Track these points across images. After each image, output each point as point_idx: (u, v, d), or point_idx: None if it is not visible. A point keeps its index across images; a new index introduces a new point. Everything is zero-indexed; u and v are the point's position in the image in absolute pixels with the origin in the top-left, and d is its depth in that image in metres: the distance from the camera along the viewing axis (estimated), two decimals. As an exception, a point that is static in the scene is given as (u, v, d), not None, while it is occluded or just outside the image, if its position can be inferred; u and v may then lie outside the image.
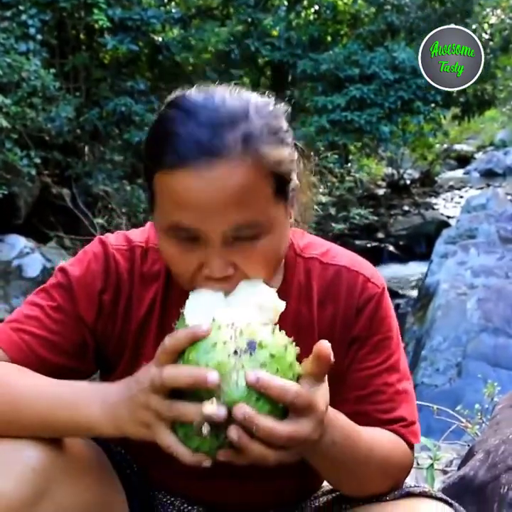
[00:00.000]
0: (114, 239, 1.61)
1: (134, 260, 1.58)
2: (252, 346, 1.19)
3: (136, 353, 1.58)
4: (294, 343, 1.27)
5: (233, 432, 1.18)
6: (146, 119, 10.53)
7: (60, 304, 1.55)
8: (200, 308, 1.29)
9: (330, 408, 1.30)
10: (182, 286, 1.44)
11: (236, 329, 1.21)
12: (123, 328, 1.58)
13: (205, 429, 1.16)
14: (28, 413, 1.42)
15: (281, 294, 1.47)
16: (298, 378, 1.24)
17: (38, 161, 9.20)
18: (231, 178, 1.31)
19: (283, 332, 1.27)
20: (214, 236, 1.33)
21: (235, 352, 1.19)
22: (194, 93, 1.39)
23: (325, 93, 13.22)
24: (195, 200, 1.31)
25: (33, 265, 8.46)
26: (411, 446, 1.61)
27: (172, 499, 1.73)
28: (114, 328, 1.57)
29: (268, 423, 1.18)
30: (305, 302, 1.59)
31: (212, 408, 1.15)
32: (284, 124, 1.42)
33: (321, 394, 1.25)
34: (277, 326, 1.27)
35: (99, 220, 9.56)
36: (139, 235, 1.63)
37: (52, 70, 9.59)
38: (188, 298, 1.39)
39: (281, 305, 1.31)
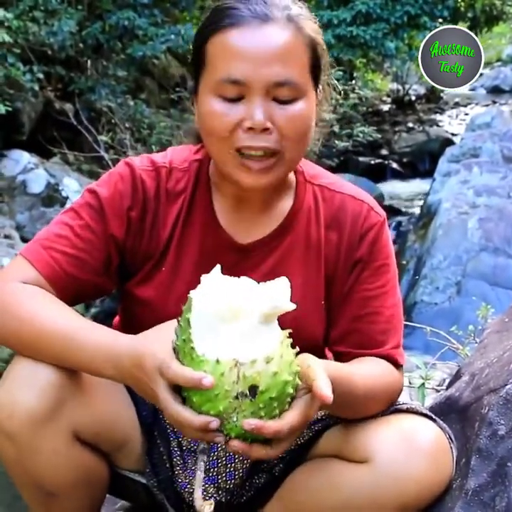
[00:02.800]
0: (139, 161, 1.74)
1: (160, 179, 1.71)
2: (253, 393, 1.28)
3: (158, 263, 1.72)
4: (296, 363, 1.34)
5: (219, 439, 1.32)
6: (149, 33, 10.34)
7: (88, 223, 1.66)
8: (210, 313, 1.31)
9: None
10: (218, 152, 1.61)
11: (239, 371, 1.28)
12: (149, 242, 1.71)
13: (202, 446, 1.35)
14: (48, 352, 1.55)
15: (293, 214, 1.73)
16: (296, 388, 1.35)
17: (40, 76, 9.10)
18: (277, 37, 1.58)
19: (288, 350, 1.33)
20: (258, 87, 1.54)
21: (237, 397, 1.28)
22: None
23: (330, 7, 12.92)
24: (246, 52, 1.56)
25: (38, 181, 8.46)
26: (399, 366, 1.72)
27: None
28: (141, 242, 1.70)
29: (260, 452, 1.33)
30: (314, 224, 1.72)
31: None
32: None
33: (314, 407, 1.36)
34: (282, 353, 1.32)
35: (103, 137, 9.52)
36: (161, 157, 1.77)
37: (54, -17, 9.42)
38: (206, 216, 1.62)
39: (291, 307, 1.34)
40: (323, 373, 1.34)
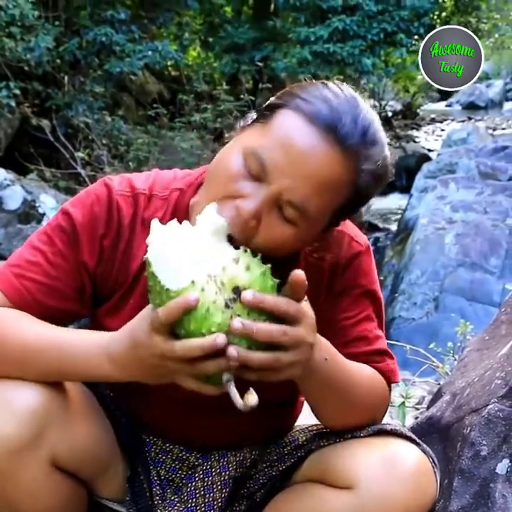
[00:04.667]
0: (118, 183, 1.67)
1: (137, 206, 1.65)
2: (239, 294, 1.30)
3: (126, 294, 1.66)
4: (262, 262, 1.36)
5: (231, 350, 1.28)
6: (126, 49, 10.36)
7: (61, 249, 1.61)
8: (167, 256, 1.33)
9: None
10: (210, 197, 1.49)
11: (216, 281, 1.30)
12: (119, 272, 1.66)
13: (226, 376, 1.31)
14: (38, 364, 1.51)
15: None
16: None
17: (17, 92, 9.08)
18: (334, 166, 1.44)
19: (249, 255, 1.35)
20: (275, 190, 1.44)
21: (226, 305, 1.29)
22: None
23: (307, 24, 13.03)
24: (294, 152, 1.43)
25: (14, 197, 8.39)
26: (389, 385, 1.70)
27: (155, 439, 1.81)
28: (111, 271, 1.65)
29: (266, 326, 1.30)
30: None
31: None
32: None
33: (305, 305, 1.37)
34: (246, 253, 1.35)
35: (80, 154, 9.49)
36: (143, 181, 1.69)
37: (31, -2, 9.41)
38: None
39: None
40: None
